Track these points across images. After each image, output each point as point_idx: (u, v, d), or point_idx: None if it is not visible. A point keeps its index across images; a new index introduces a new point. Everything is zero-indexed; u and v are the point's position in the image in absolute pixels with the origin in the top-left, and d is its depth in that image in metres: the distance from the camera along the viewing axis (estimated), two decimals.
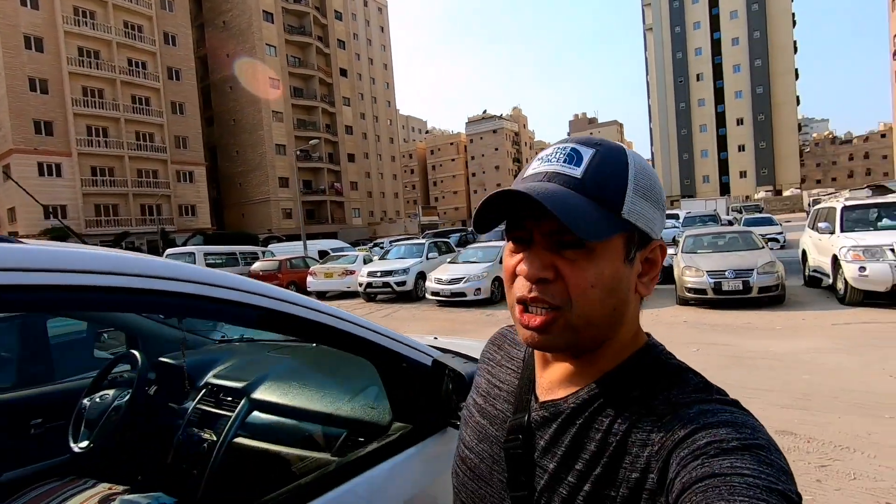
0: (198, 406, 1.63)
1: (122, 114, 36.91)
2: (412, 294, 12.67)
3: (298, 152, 36.73)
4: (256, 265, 16.97)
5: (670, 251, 12.28)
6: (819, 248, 8.84)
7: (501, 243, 14.12)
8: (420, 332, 7.31)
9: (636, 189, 0.52)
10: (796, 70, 66.11)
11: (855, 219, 8.18)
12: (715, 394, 0.50)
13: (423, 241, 15.41)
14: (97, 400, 1.69)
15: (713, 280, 8.32)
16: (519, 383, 0.64)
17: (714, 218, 21.12)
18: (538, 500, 0.54)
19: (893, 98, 48.92)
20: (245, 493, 1.35)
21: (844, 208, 8.36)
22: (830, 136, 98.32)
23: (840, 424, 3.62)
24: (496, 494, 0.59)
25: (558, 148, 0.54)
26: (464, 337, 2.87)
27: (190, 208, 41.90)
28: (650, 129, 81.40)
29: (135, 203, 37.70)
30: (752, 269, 8.18)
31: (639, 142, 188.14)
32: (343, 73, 56.07)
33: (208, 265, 16.50)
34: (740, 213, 29.02)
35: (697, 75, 70.89)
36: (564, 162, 0.52)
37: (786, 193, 58.51)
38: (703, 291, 8.43)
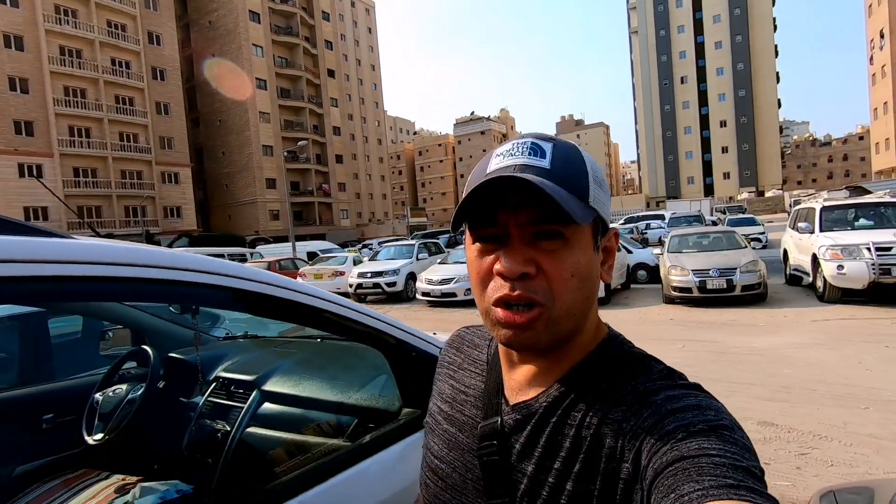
0: (209, 399, 1.69)
1: (105, 114, 36.32)
2: (403, 295, 12.72)
3: (286, 153, 36.52)
4: None
5: (656, 251, 12.51)
6: (799, 247, 9.09)
7: None
8: None
9: (594, 179, 0.53)
10: (777, 73, 67.50)
11: (833, 219, 8.43)
12: (678, 379, 0.52)
13: (412, 242, 15.47)
14: (110, 394, 1.74)
15: (698, 279, 8.52)
16: (486, 386, 0.62)
17: (699, 218, 21.50)
18: None
19: (871, 101, 50.23)
20: (260, 478, 1.41)
21: (823, 209, 8.61)
22: (811, 138, 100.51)
23: (818, 415, 3.78)
24: None
25: (517, 143, 0.53)
26: None
27: (175, 210, 41.38)
28: (636, 131, 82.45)
29: (119, 205, 37.13)
30: (736, 268, 8.39)
31: (624, 144, 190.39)
32: (331, 73, 55.86)
33: None
34: (724, 213, 29.59)
35: (682, 78, 72.00)
36: (530, 155, 0.51)
37: (768, 194, 59.66)
38: (689, 290, 8.62)
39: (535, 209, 0.49)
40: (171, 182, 41.18)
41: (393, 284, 12.67)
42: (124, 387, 1.76)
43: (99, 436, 1.62)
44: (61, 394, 1.92)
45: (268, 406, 1.59)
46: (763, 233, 18.35)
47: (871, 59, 48.92)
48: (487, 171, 0.53)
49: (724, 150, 70.01)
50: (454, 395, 0.66)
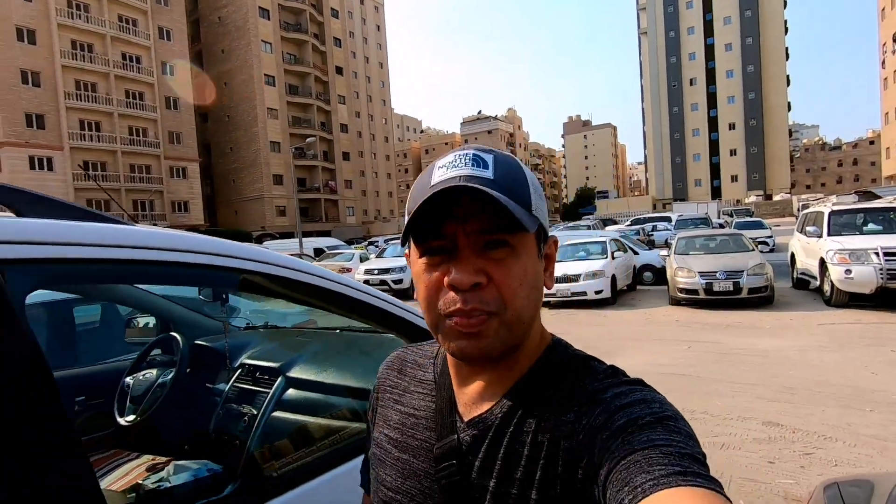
0: (235, 384, 1.76)
1: (115, 108, 36.63)
2: (409, 292, 12.81)
3: (294, 150, 36.72)
4: None
5: (663, 253, 12.53)
6: (807, 251, 9.09)
7: None
8: None
9: (534, 189, 0.54)
10: (788, 76, 67.02)
11: (842, 223, 8.42)
12: (622, 376, 0.54)
13: None
14: (140, 378, 1.82)
15: (704, 281, 8.54)
16: (437, 406, 0.60)
17: (706, 221, 21.45)
18: None
19: (882, 106, 49.80)
20: (285, 458, 1.49)
21: (832, 213, 8.61)
22: (820, 141, 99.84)
23: (823, 416, 3.82)
24: None
25: (459, 154, 0.54)
26: None
27: (183, 204, 41.67)
28: (643, 133, 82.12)
29: (127, 198, 37.45)
30: (743, 271, 8.41)
31: (632, 145, 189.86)
32: (339, 70, 56.00)
33: None
34: (731, 216, 29.42)
35: (691, 80, 71.62)
36: (473, 166, 0.52)
37: (776, 198, 59.31)
38: (695, 292, 8.64)
39: (484, 219, 0.49)
40: (179, 177, 41.47)
41: (399, 282, 12.78)
42: (154, 371, 1.84)
43: (131, 417, 1.70)
44: (91, 378, 2.00)
45: (292, 392, 1.66)
46: (770, 236, 18.29)
47: (883, 63, 48.51)
48: (432, 184, 0.52)
49: (733, 152, 69.63)
50: (403, 419, 0.63)
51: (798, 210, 27.25)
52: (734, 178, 69.70)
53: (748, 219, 22.92)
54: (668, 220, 24.66)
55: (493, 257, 0.50)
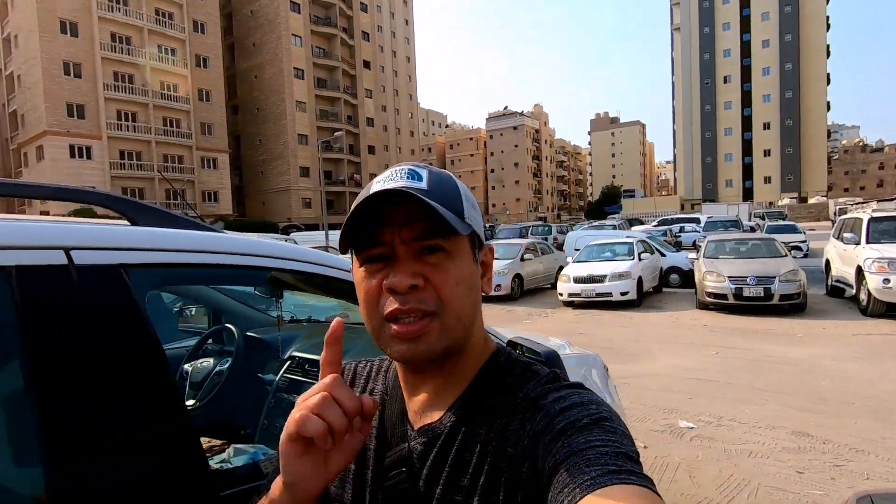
0: (285, 375, 1.87)
1: (150, 99, 37.77)
2: None
3: (321, 143, 37.24)
4: None
5: (690, 255, 12.32)
6: (843, 258, 8.83)
7: (522, 241, 14.27)
8: None
9: (467, 200, 0.57)
10: (828, 75, 64.51)
11: (881, 230, 8.16)
12: (562, 380, 0.56)
13: None
14: (199, 365, 1.95)
15: (734, 286, 8.39)
16: (389, 416, 0.62)
17: (736, 223, 20.92)
18: None
19: None
20: None
21: (871, 219, 8.34)
22: (861, 143, 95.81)
23: (855, 428, 3.76)
24: None
25: (395, 169, 0.57)
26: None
27: (213, 194, 42.74)
28: (673, 131, 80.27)
29: (160, 187, 38.62)
30: (775, 277, 8.23)
31: (660, 144, 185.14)
32: (366, 64, 56.37)
33: None
34: (763, 219, 28.54)
35: (725, 77, 69.61)
36: (408, 179, 0.55)
37: (811, 201, 57.33)
38: (724, 296, 8.50)
39: (419, 225, 0.52)
40: (210, 167, 42.52)
41: None
42: (211, 360, 1.96)
43: (191, 402, 1.83)
44: None
45: None
46: (804, 241, 17.71)
47: None
48: (370, 195, 0.54)
49: (767, 153, 67.52)
50: None
51: (834, 214, 26.31)
52: (767, 180, 67.62)
53: (781, 222, 22.23)
54: (697, 221, 24.08)
55: (430, 262, 0.53)
